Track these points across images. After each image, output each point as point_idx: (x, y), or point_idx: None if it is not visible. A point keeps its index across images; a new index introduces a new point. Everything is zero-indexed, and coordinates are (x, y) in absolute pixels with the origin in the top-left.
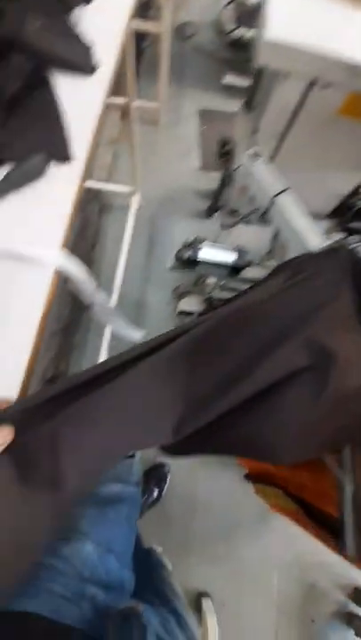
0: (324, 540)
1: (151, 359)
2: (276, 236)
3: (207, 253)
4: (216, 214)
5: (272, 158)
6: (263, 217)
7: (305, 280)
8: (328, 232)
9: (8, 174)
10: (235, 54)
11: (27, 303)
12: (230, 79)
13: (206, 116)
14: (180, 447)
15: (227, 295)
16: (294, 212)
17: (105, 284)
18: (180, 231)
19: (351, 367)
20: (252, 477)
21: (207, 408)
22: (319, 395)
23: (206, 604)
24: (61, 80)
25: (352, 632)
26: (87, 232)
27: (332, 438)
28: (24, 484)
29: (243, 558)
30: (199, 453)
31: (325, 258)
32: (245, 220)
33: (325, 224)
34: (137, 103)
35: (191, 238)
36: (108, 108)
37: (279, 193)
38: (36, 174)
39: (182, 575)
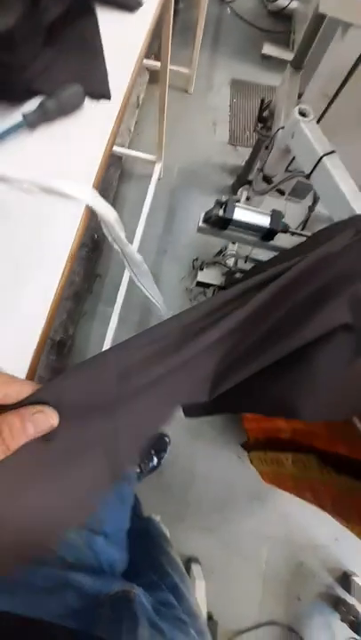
0: (322, 501)
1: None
2: (312, 206)
3: (241, 214)
4: (242, 190)
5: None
6: (295, 190)
7: None
8: None
9: (42, 103)
10: (275, 25)
11: (57, 236)
12: (269, 50)
13: (239, 87)
14: (206, 405)
15: (249, 267)
16: (342, 175)
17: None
18: (202, 206)
19: None
20: (251, 445)
21: (247, 365)
22: (354, 356)
23: (196, 570)
24: (103, 15)
25: (337, 616)
26: (107, 196)
27: None
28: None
29: (234, 531)
30: (222, 412)
31: None
32: (279, 188)
33: None
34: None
35: (224, 197)
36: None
37: (328, 153)
38: (70, 107)
39: (175, 542)
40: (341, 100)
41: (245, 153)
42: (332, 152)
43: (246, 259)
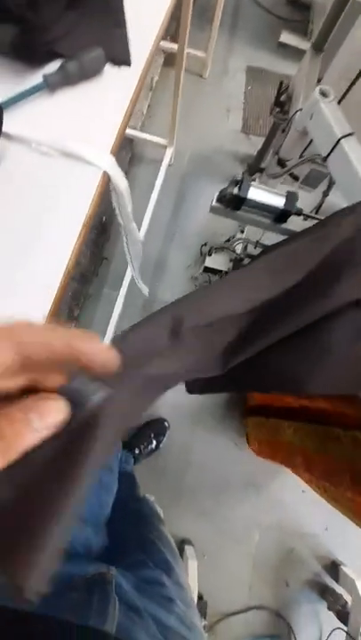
0: (312, 466)
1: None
2: (327, 190)
3: (256, 193)
4: (255, 177)
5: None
6: (307, 178)
7: None
8: None
9: (63, 65)
10: (293, 13)
11: (74, 199)
12: (287, 38)
13: (255, 74)
14: (213, 382)
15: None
16: (360, 157)
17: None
18: (211, 194)
19: None
20: (252, 408)
21: (261, 339)
22: None
23: (189, 551)
24: None
25: (325, 604)
26: None
27: None
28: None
29: (227, 517)
30: (226, 389)
31: None
32: (293, 173)
33: None
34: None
35: (239, 175)
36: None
37: (346, 135)
38: (92, 71)
39: (168, 524)
40: None
41: (258, 142)
42: (351, 134)
43: (256, 244)
